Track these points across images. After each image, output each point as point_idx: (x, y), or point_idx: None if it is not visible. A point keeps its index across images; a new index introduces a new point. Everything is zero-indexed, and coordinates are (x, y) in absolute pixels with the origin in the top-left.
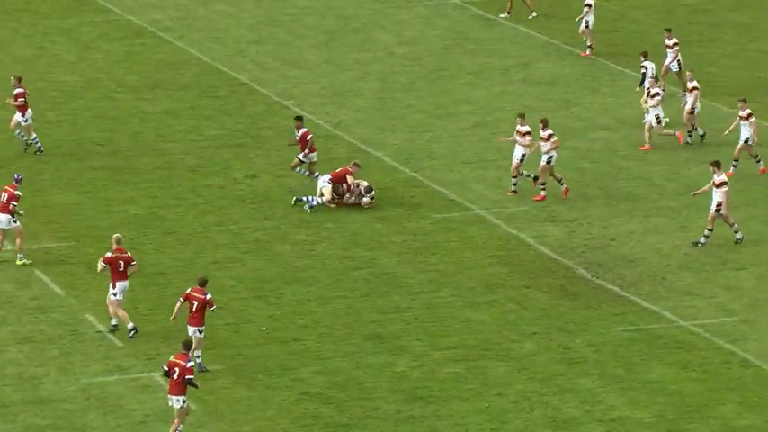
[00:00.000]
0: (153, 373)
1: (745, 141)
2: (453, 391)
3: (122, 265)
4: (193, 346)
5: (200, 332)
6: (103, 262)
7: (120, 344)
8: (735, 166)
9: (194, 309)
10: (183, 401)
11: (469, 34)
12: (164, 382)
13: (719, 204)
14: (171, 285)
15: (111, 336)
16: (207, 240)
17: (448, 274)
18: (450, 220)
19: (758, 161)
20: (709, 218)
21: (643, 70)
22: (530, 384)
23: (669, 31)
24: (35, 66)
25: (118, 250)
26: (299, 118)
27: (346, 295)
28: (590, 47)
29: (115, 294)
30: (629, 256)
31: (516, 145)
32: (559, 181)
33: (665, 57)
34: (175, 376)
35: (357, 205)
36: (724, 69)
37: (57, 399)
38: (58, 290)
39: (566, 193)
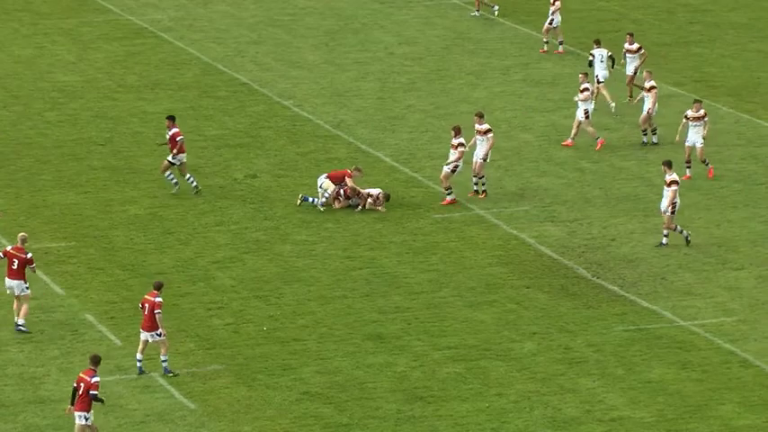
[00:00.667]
0: (153, 373)
1: (694, 144)
2: (453, 391)
3: (16, 264)
4: (162, 350)
5: (159, 335)
6: (1, 253)
7: (120, 344)
8: (707, 165)
9: (146, 312)
10: (86, 419)
11: (469, 34)
12: (163, 381)
13: (674, 204)
14: (171, 285)
15: (111, 335)
16: (207, 240)
17: (448, 275)
18: (450, 220)
19: (689, 167)
20: (665, 219)
21: (591, 57)
22: (530, 384)
23: (631, 35)
24: (35, 65)
25: (16, 249)
26: (171, 117)
27: (346, 295)
28: (561, 42)
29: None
30: (629, 256)
31: (478, 145)
32: (447, 189)
33: (626, 61)
34: (80, 392)
35: (360, 207)
36: (724, 69)
37: (57, 399)
38: (58, 290)
39: (448, 202)
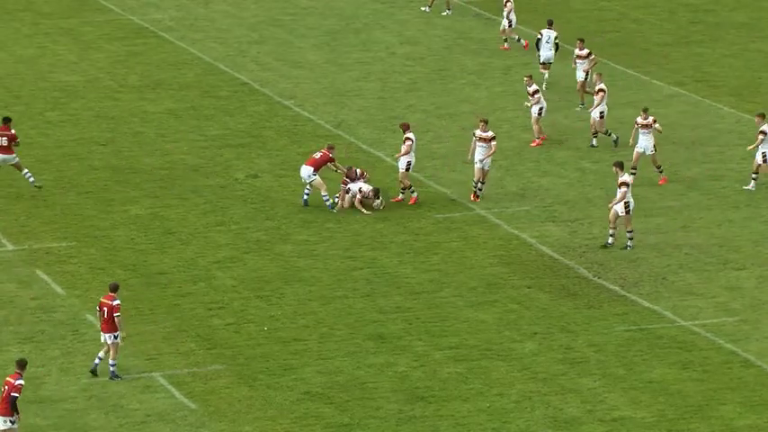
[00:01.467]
0: (154, 373)
1: (644, 151)
2: (455, 390)
3: None
4: (111, 353)
5: (115, 338)
6: None
7: (121, 344)
8: (660, 171)
9: (105, 315)
10: (12, 422)
11: (470, 34)
12: (164, 381)
13: (627, 204)
14: (172, 285)
15: None
16: (208, 240)
17: (449, 274)
18: (451, 220)
19: (634, 173)
20: (624, 222)
21: (539, 36)
22: (531, 384)
23: (582, 41)
24: (37, 65)
25: None
26: (7, 119)
27: (348, 295)
28: (519, 40)
29: None
30: (630, 256)
31: (477, 150)
32: (410, 188)
33: (576, 67)
34: (3, 394)
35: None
36: (725, 69)
37: (58, 399)
38: (59, 290)
39: (413, 200)
